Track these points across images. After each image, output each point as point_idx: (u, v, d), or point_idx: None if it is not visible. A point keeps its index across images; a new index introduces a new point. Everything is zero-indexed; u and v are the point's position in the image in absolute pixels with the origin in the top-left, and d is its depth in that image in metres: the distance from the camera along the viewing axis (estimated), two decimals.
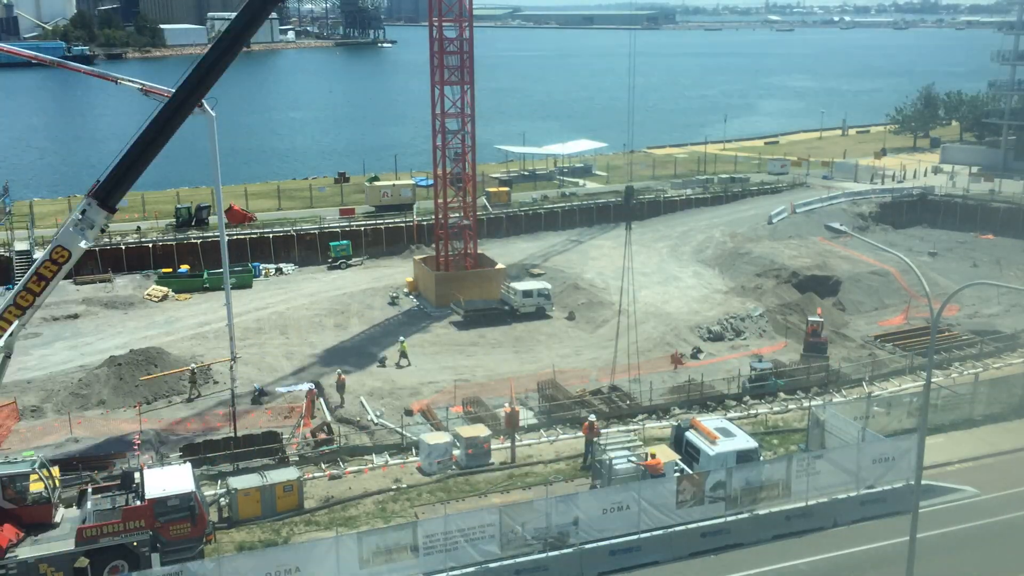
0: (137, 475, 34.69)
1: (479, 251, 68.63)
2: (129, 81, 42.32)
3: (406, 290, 68.14)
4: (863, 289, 67.27)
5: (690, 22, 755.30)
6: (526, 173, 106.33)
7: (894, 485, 37.32)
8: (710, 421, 40.61)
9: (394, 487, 39.48)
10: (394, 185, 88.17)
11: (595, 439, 40.67)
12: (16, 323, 36.00)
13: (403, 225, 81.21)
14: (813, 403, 46.05)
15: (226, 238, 46.29)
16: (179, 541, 32.97)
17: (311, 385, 49.75)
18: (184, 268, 71.11)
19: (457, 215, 66.20)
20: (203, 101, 39.99)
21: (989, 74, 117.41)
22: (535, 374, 51.56)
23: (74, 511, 34.46)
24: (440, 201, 65.81)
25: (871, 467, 37.43)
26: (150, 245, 73.79)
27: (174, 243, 74.06)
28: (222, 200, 45.79)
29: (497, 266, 67.52)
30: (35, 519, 33.03)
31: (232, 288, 67.91)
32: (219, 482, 39.05)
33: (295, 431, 44.20)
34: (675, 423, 42.45)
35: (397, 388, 50.15)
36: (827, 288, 67.00)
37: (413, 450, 42.57)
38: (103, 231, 44.71)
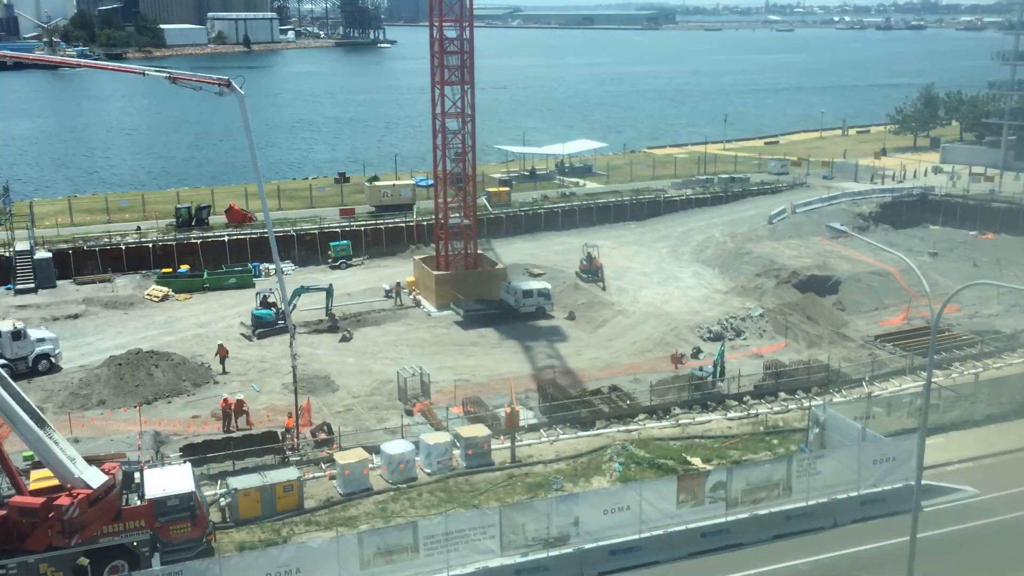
0: (137, 475, 34.69)
1: (479, 251, 68.64)
2: (156, 71, 42.37)
3: (406, 290, 68.08)
4: (863, 289, 67.19)
5: (690, 22, 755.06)
6: (526, 173, 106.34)
7: (894, 485, 37.33)
8: None
9: (394, 487, 39.52)
10: (394, 185, 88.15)
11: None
12: None
13: (403, 225, 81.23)
14: (813, 403, 46.04)
15: (271, 216, 45.38)
16: (179, 541, 33.01)
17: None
18: (184, 268, 71.12)
19: (457, 215, 66.20)
20: (231, 80, 40.17)
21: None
22: (535, 374, 51.56)
23: None
24: (440, 201, 65.84)
25: (871, 467, 37.44)
26: (150, 245, 73.77)
27: (174, 243, 74.04)
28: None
29: (497, 266, 67.47)
30: None
31: (232, 288, 68.46)
32: (219, 482, 39.08)
33: (291, 428, 44.10)
34: None
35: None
36: (827, 288, 66.96)
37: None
38: None
